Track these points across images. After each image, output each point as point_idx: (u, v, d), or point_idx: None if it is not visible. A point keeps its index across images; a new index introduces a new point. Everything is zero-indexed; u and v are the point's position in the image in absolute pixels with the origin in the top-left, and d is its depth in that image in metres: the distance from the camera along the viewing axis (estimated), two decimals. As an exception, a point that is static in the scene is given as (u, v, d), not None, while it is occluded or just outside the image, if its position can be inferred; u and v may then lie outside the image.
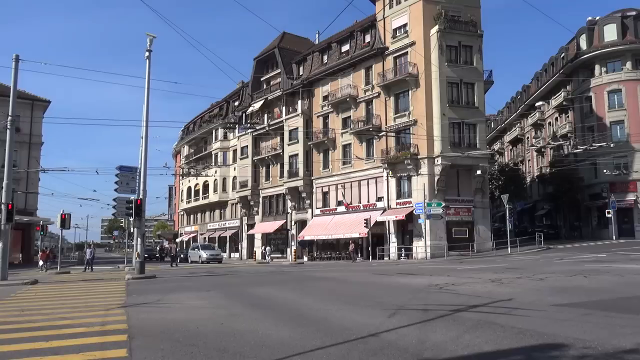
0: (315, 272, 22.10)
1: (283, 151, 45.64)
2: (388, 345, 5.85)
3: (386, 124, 36.30)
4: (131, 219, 22.56)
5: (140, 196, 21.15)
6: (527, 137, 55.08)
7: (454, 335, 6.23)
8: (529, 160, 55.22)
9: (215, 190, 57.88)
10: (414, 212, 32.81)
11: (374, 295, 11.18)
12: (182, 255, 45.18)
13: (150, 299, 11.59)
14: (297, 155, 44.05)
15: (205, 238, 58.48)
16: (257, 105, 48.82)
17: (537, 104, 47.72)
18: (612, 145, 32.40)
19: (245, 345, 6.07)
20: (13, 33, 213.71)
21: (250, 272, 24.24)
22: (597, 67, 41.37)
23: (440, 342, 5.93)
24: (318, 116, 43.20)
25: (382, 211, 35.76)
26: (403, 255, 33.85)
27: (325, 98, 42.45)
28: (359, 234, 35.94)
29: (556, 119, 47.02)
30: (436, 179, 32.91)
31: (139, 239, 21.31)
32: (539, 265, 19.27)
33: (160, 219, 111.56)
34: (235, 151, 54.77)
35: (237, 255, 52.99)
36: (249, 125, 39.02)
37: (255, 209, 50.15)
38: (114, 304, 10.59)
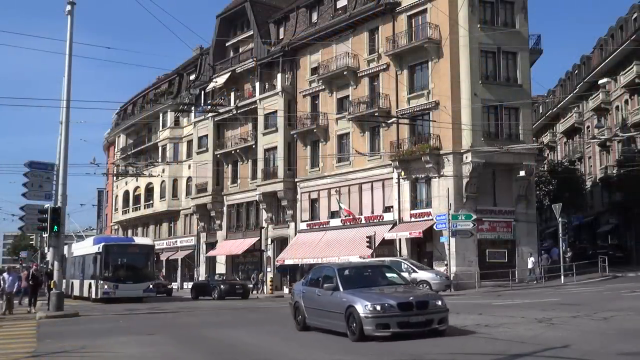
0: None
1: (256, 143, 45.47)
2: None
3: (397, 107, 36.28)
4: (45, 235, 22.31)
5: (59, 203, 20.96)
6: (588, 126, 55.57)
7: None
8: (590, 157, 55.70)
9: (162, 196, 57.48)
10: (434, 227, 32.83)
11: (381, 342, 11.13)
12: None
13: (70, 345, 11.47)
14: (275, 148, 43.84)
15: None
16: (221, 80, 48.62)
17: (600, 82, 48.04)
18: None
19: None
20: None
21: (211, 308, 24.12)
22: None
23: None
24: (304, 95, 43.05)
25: (391, 226, 35.75)
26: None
27: (314, 71, 42.32)
28: (360, 257, 35.87)
29: (626, 101, 47.46)
30: (465, 182, 32.99)
31: (55, 262, 21.10)
32: (603, 299, 19.40)
33: (86, 235, 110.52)
34: (190, 142, 54.42)
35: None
36: (209, 107, 38.83)
37: (218, 221, 49.91)
38: (20, 354, 10.44)
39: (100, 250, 30.12)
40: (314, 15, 43.52)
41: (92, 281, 30.51)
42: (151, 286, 31.01)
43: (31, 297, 23.71)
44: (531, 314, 15.07)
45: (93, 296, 30.02)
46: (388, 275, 13.42)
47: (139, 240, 37.83)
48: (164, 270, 52.76)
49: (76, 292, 33.95)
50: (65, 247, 36.67)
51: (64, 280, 35.31)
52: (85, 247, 33.61)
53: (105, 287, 29.25)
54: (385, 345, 10.38)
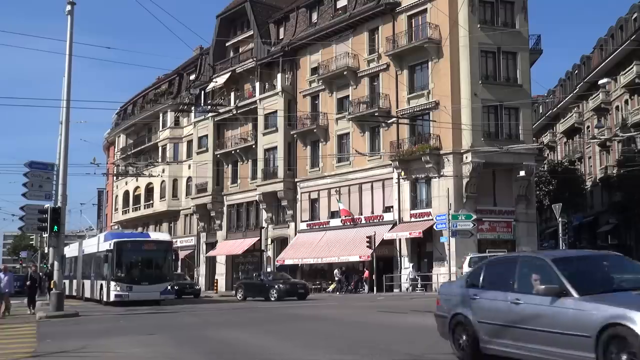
0: (299, 308, 22.08)
1: (256, 143, 45.51)
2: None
3: (397, 107, 36.33)
4: (45, 235, 22.28)
5: (59, 203, 20.94)
6: (587, 126, 55.58)
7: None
8: (590, 157, 55.71)
9: (162, 196, 57.50)
10: (434, 227, 32.89)
11: (379, 341, 11.17)
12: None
13: (71, 345, 11.47)
14: (275, 148, 43.92)
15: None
16: (220, 80, 48.61)
17: (600, 82, 48.03)
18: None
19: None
20: None
21: (211, 309, 24.12)
22: (681, 32, 41.79)
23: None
24: (304, 95, 43.11)
25: (391, 226, 35.80)
26: (419, 285, 33.82)
27: (314, 71, 42.39)
28: (360, 257, 35.90)
29: (626, 101, 47.45)
30: (465, 182, 33.04)
31: (55, 262, 21.09)
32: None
33: (86, 235, 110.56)
34: (190, 142, 54.44)
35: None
36: (209, 107, 38.80)
37: (218, 221, 49.93)
38: (20, 354, 10.43)
39: (112, 247, 26.50)
40: (314, 15, 43.54)
41: (103, 282, 27.11)
42: (169, 287, 26.91)
43: (29, 298, 23.16)
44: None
45: (104, 299, 26.65)
46: (628, 270, 8.19)
47: (155, 235, 32.58)
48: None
49: (87, 294, 30.83)
50: (76, 245, 35.19)
51: (75, 281, 33.57)
52: (96, 245, 30.30)
53: (118, 288, 25.65)
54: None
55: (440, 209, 32.47)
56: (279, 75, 44.08)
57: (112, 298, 25.78)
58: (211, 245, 50.62)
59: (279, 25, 46.44)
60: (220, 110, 44.23)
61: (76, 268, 33.96)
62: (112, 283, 25.93)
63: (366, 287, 36.04)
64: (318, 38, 41.48)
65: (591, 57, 54.85)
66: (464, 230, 31.21)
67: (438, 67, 34.49)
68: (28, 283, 23.54)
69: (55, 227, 20.31)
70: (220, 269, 48.18)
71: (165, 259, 27.63)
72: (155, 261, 27.79)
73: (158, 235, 33.06)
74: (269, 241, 44.10)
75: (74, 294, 32.69)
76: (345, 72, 39.34)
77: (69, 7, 21.25)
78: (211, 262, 50.77)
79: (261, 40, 46.09)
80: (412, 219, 35.07)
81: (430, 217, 33.61)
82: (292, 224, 42.95)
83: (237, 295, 32.21)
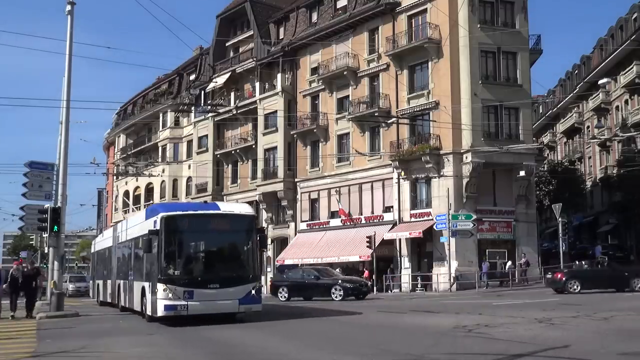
0: (300, 307, 22.07)
1: (256, 143, 45.54)
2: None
3: (397, 107, 36.35)
4: (45, 235, 22.27)
5: (59, 203, 20.95)
6: (587, 126, 55.58)
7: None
8: (590, 157, 55.73)
9: (162, 196, 57.48)
10: (434, 227, 32.93)
11: (379, 341, 11.19)
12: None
13: (70, 345, 11.48)
14: (275, 148, 43.95)
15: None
16: (220, 80, 48.60)
17: (600, 82, 48.01)
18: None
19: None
20: None
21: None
22: (681, 32, 41.79)
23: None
24: (304, 95, 43.13)
25: (391, 226, 35.83)
26: (419, 285, 33.85)
27: (314, 71, 42.40)
28: (360, 257, 35.91)
29: (626, 101, 47.46)
30: (465, 182, 33.07)
31: (55, 262, 21.07)
32: (603, 300, 19.44)
33: (86, 235, 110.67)
34: (190, 142, 54.47)
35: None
36: (209, 107, 38.79)
37: (218, 221, 50.00)
38: (20, 354, 10.44)
39: (158, 226, 15.69)
40: (314, 15, 43.56)
41: (147, 285, 16.86)
42: (254, 291, 15.99)
43: (12, 300, 20.10)
44: (531, 314, 15.08)
45: (149, 311, 16.45)
46: None
47: (229, 207, 19.70)
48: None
49: (124, 302, 21.27)
50: (110, 231, 26.61)
51: (110, 283, 24.63)
52: (137, 226, 19.38)
53: (170, 295, 15.16)
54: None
55: (440, 209, 32.49)
56: (279, 75, 44.09)
57: (160, 311, 15.36)
58: (211, 245, 50.58)
59: (279, 25, 46.45)
60: (220, 110, 44.20)
61: (111, 264, 24.59)
62: (160, 286, 15.38)
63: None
64: (318, 38, 41.49)
65: (591, 57, 54.86)
66: (464, 230, 31.26)
67: (438, 67, 34.50)
68: (8, 282, 20.32)
69: (55, 227, 20.32)
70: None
71: (246, 245, 16.51)
72: (230, 249, 17.12)
73: (233, 207, 20.07)
74: (269, 241, 44.07)
75: (109, 300, 24.44)
76: (345, 72, 39.35)
77: (69, 7, 21.26)
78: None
79: (261, 40, 46.09)
80: (412, 219, 35.09)
81: (430, 217, 33.62)
82: (292, 224, 42.95)
83: (569, 287, 25.19)
